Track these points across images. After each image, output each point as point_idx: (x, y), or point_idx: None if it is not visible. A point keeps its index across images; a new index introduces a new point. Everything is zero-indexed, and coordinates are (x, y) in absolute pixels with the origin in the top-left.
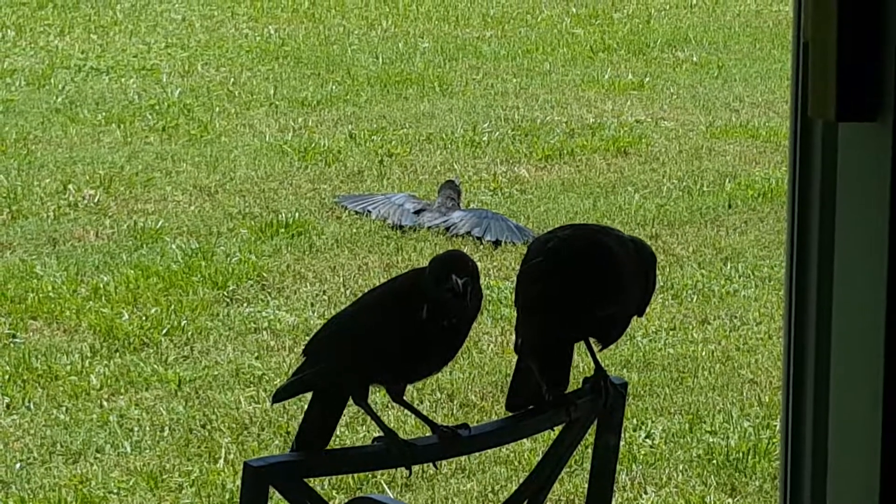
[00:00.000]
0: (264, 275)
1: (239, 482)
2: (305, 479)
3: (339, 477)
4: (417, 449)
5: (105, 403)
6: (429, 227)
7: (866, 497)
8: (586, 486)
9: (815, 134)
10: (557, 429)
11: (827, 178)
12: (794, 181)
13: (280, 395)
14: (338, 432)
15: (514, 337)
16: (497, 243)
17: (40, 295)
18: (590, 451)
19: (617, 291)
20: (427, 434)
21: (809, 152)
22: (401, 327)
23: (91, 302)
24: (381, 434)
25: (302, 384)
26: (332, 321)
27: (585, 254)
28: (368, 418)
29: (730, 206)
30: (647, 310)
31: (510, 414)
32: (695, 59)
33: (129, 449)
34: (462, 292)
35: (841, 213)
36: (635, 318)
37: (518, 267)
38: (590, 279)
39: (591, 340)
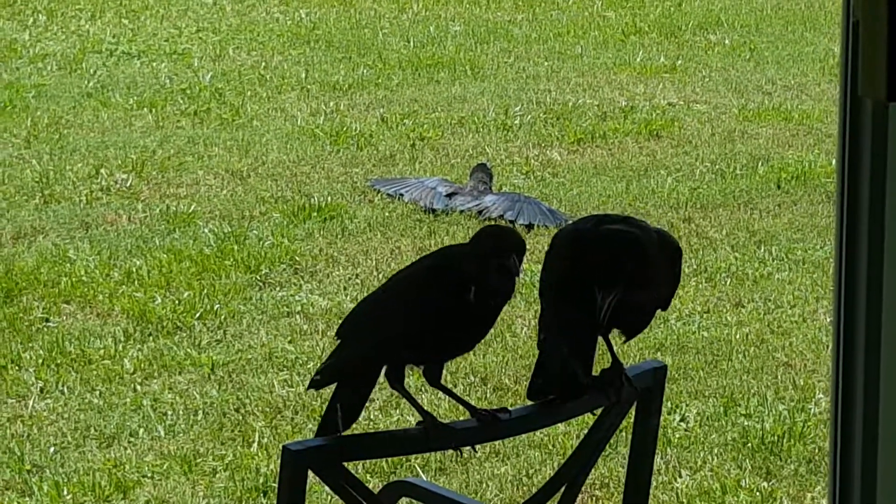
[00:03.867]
0: (297, 258)
1: (273, 466)
2: (344, 463)
3: (373, 461)
4: (457, 432)
5: (138, 387)
6: (461, 211)
7: None
8: (622, 469)
9: (864, 114)
10: (595, 412)
11: (877, 157)
12: (844, 160)
13: (317, 383)
14: (371, 416)
15: None
16: (530, 227)
17: (73, 279)
18: (623, 436)
19: (642, 279)
20: (465, 417)
21: (859, 132)
22: (439, 307)
23: (124, 286)
24: (423, 419)
25: (337, 370)
26: (365, 302)
27: (610, 242)
28: (403, 402)
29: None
30: (682, 293)
31: (544, 399)
32: (727, 41)
33: (162, 433)
34: (516, 272)
35: (892, 191)
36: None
37: None
38: (615, 267)
39: (615, 332)
